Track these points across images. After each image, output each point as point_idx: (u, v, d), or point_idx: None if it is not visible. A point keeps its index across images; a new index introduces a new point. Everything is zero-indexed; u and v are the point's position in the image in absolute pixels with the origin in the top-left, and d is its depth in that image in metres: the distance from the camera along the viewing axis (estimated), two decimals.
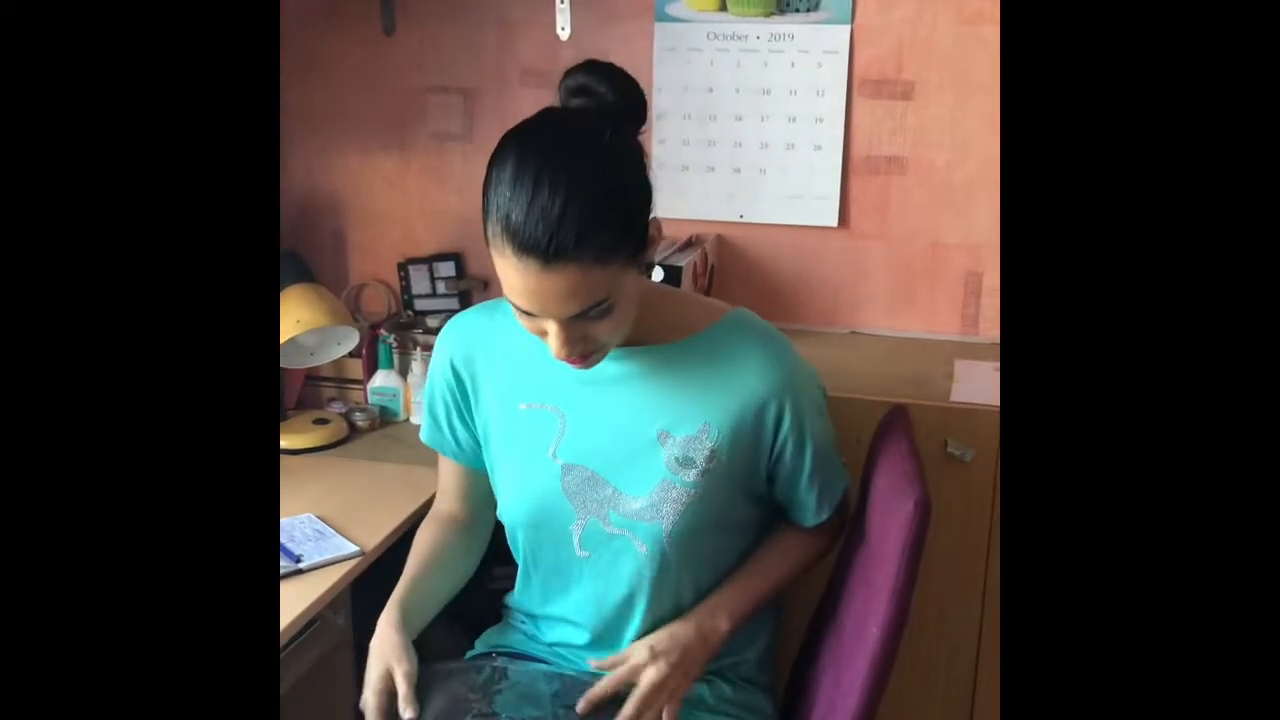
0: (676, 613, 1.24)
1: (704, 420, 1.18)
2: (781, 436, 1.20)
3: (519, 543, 1.30)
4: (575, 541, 1.23)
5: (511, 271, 1.04)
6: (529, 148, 1.04)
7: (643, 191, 1.10)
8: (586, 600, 1.26)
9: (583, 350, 1.10)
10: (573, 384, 1.21)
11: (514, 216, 1.01)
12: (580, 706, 1.18)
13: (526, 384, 1.24)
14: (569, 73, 1.12)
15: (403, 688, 1.15)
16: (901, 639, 1.09)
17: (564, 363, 1.12)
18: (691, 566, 1.23)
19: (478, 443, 1.30)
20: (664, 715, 1.18)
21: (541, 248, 1.00)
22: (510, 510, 1.27)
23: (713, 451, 1.18)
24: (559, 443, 1.22)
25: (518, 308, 1.08)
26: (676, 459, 1.18)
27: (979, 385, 1.65)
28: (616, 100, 1.10)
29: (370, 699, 1.17)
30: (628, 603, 1.24)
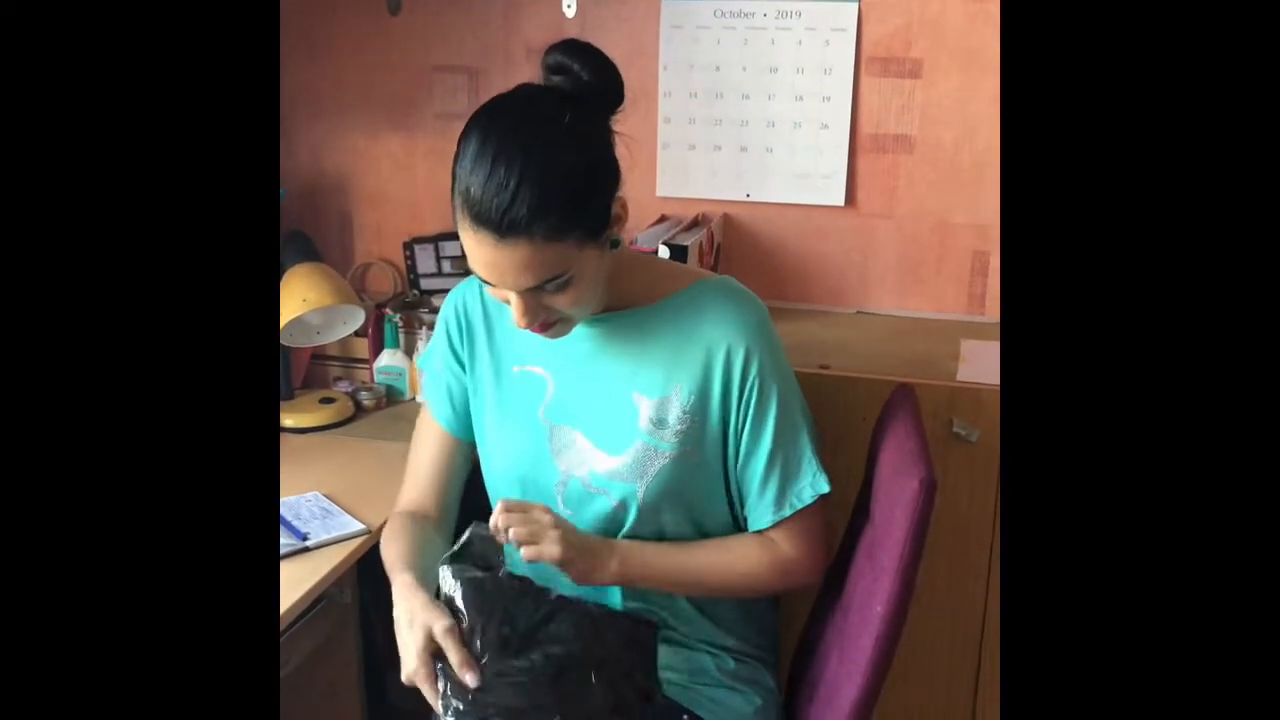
0: None
1: (676, 382, 1.20)
2: (748, 389, 1.19)
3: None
4: (559, 500, 1.25)
5: (470, 242, 1.08)
6: (493, 127, 1.08)
7: (604, 172, 1.12)
8: None
9: (544, 320, 1.14)
10: (557, 348, 1.24)
11: (473, 191, 1.06)
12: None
13: (520, 347, 1.28)
14: (550, 49, 1.14)
15: (455, 650, 1.06)
16: (906, 617, 1.09)
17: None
18: (668, 533, 1.24)
19: (468, 404, 1.32)
20: (520, 540, 1.12)
21: (495, 223, 1.05)
22: (500, 471, 1.29)
23: (685, 412, 1.20)
24: (547, 404, 1.25)
25: (479, 277, 1.11)
26: (651, 420, 1.21)
27: (985, 365, 1.65)
28: (591, 81, 1.12)
29: (420, 668, 1.07)
30: None
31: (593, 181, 1.10)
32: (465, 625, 1.07)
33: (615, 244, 1.15)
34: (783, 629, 1.42)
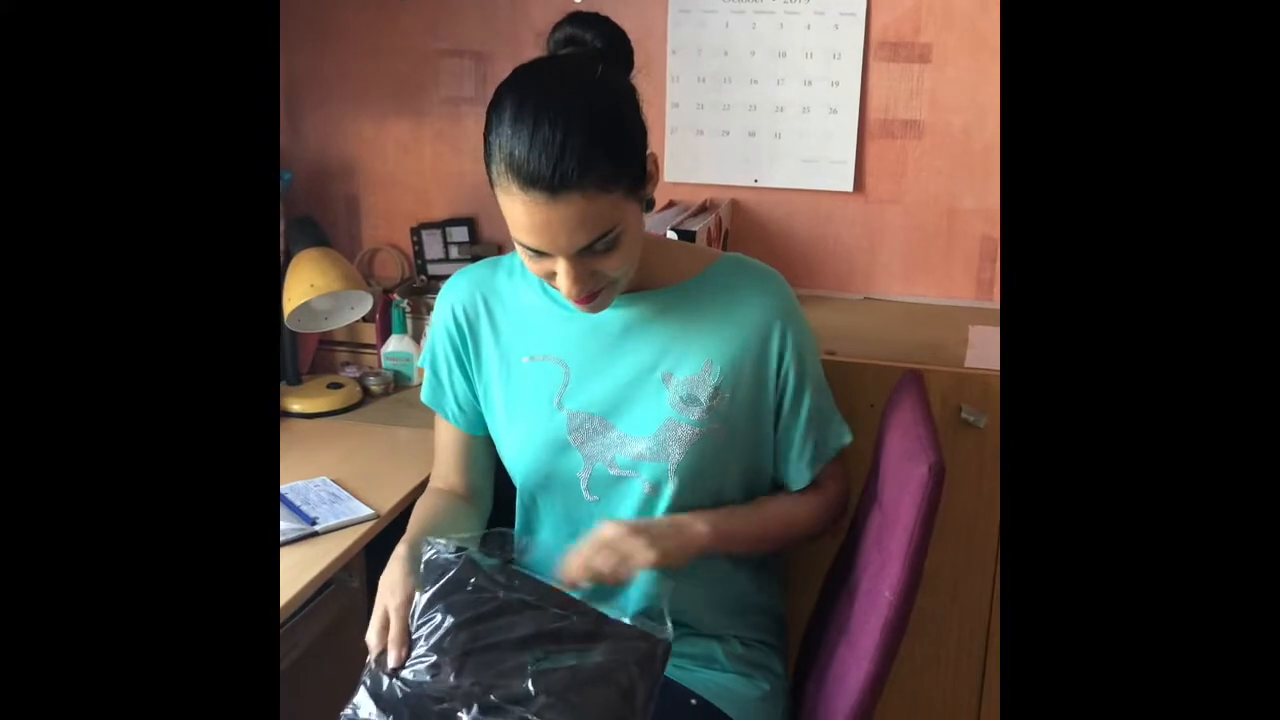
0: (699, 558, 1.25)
1: (706, 358, 1.21)
2: (785, 366, 1.22)
3: (528, 498, 1.32)
4: (583, 487, 1.25)
5: (519, 209, 1.06)
6: (525, 90, 1.08)
7: (639, 123, 1.13)
8: None
9: (592, 287, 1.12)
10: (575, 334, 1.23)
11: (518, 153, 1.04)
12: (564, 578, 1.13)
13: (529, 337, 1.26)
14: (556, 26, 1.16)
15: (394, 626, 1.09)
16: (914, 603, 1.09)
17: (571, 307, 1.16)
18: (692, 508, 1.23)
19: (477, 401, 1.31)
20: (613, 570, 1.13)
21: (547, 179, 1.03)
22: (518, 464, 1.29)
23: (716, 389, 1.20)
24: (563, 392, 1.24)
25: (527, 248, 1.10)
26: (681, 398, 1.21)
27: (993, 351, 1.65)
28: (604, 46, 1.13)
29: (371, 639, 1.11)
30: None
31: (632, 130, 1.11)
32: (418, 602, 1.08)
33: (650, 204, 1.16)
34: (790, 614, 1.42)
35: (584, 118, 1.05)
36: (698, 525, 1.20)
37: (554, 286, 1.13)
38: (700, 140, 1.96)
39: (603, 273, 1.12)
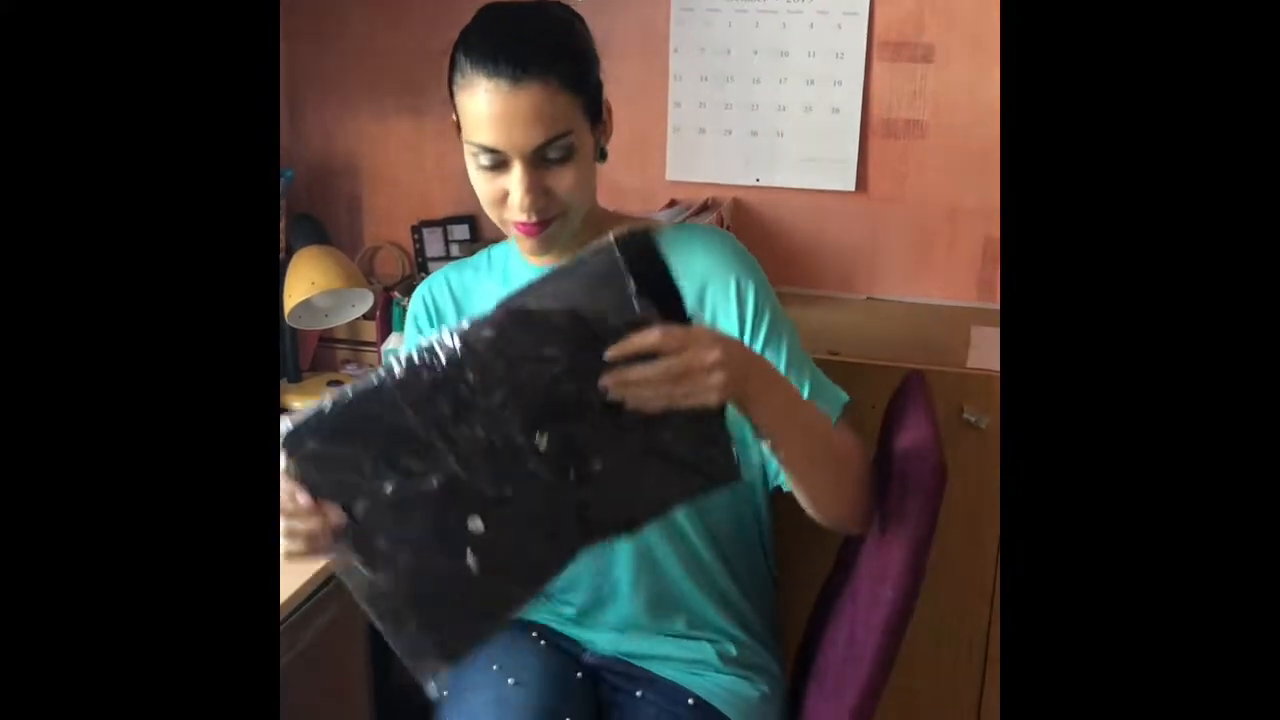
0: (684, 551, 1.25)
1: None
2: (747, 314, 1.19)
3: None
4: None
5: (481, 101, 1.08)
6: (492, 7, 1.14)
7: (595, 56, 1.16)
8: None
9: (543, 209, 1.12)
10: None
11: (484, 43, 1.09)
12: (610, 353, 0.92)
13: None
14: None
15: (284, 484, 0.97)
16: (915, 603, 1.09)
17: (524, 236, 1.14)
18: None
19: None
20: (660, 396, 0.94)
21: (511, 61, 1.07)
22: None
23: None
24: None
25: (484, 152, 1.11)
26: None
27: (995, 352, 1.64)
28: None
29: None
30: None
31: (590, 55, 1.15)
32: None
33: (603, 155, 1.18)
34: (788, 615, 1.42)
35: (549, 23, 1.12)
36: (790, 390, 1.08)
37: (506, 216, 1.14)
38: (702, 139, 1.96)
39: (555, 192, 1.12)
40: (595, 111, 1.14)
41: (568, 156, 1.11)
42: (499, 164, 1.11)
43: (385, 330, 1.97)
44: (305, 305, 1.79)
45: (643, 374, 0.92)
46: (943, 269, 1.92)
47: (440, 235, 2.07)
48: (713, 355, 0.93)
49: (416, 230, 2.08)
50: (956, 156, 1.86)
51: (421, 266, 2.09)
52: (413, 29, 2.04)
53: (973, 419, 1.55)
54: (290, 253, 1.82)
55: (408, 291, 2.00)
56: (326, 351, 2.05)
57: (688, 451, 0.97)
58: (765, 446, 1.06)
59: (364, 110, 2.11)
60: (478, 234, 2.06)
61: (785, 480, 1.18)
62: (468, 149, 1.13)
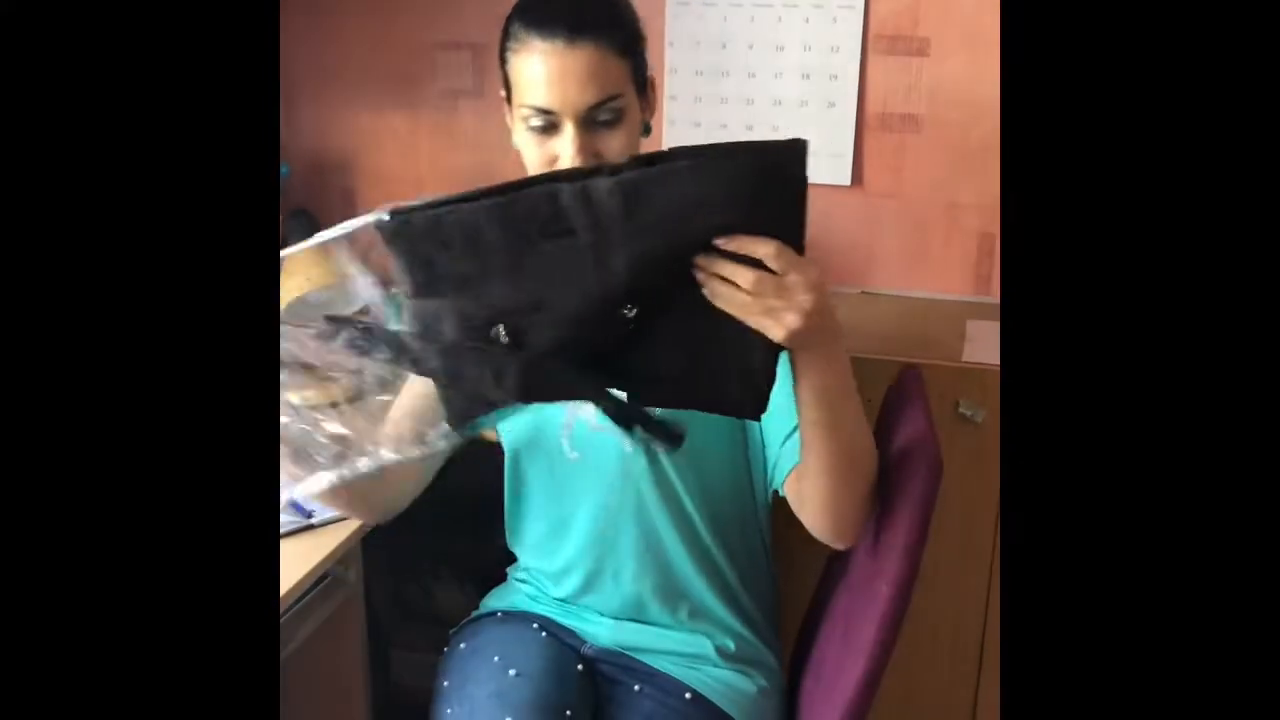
0: (689, 537, 1.25)
1: None
2: None
3: (514, 463, 1.32)
4: (566, 444, 1.25)
5: (535, 63, 1.09)
6: None
7: (642, 33, 1.17)
8: (584, 523, 1.28)
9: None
10: None
11: (541, 6, 1.10)
12: (721, 242, 0.92)
13: None
14: None
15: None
16: (911, 598, 1.09)
17: None
18: (689, 470, 1.23)
19: None
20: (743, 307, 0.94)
21: (567, 20, 1.08)
22: (508, 424, 1.30)
23: None
24: None
25: (536, 113, 1.10)
26: None
27: (991, 346, 1.65)
28: None
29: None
30: (626, 509, 1.25)
31: (639, 28, 1.16)
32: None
33: (648, 130, 1.18)
34: (786, 610, 1.42)
35: None
36: (847, 375, 1.06)
37: None
38: (697, 133, 1.96)
39: (604, 157, 1.11)
40: (642, 82, 1.16)
41: (617, 120, 1.11)
42: (550, 126, 1.11)
43: None
44: (300, 301, 1.78)
45: (735, 274, 0.92)
46: (938, 263, 1.92)
47: None
48: (804, 297, 0.93)
49: None
50: (952, 151, 1.86)
51: None
52: (408, 24, 2.03)
53: (968, 413, 1.55)
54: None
55: None
56: None
57: (732, 365, 0.97)
58: (799, 414, 1.05)
59: (359, 105, 2.11)
60: None
61: (798, 458, 1.14)
62: (518, 114, 1.13)
